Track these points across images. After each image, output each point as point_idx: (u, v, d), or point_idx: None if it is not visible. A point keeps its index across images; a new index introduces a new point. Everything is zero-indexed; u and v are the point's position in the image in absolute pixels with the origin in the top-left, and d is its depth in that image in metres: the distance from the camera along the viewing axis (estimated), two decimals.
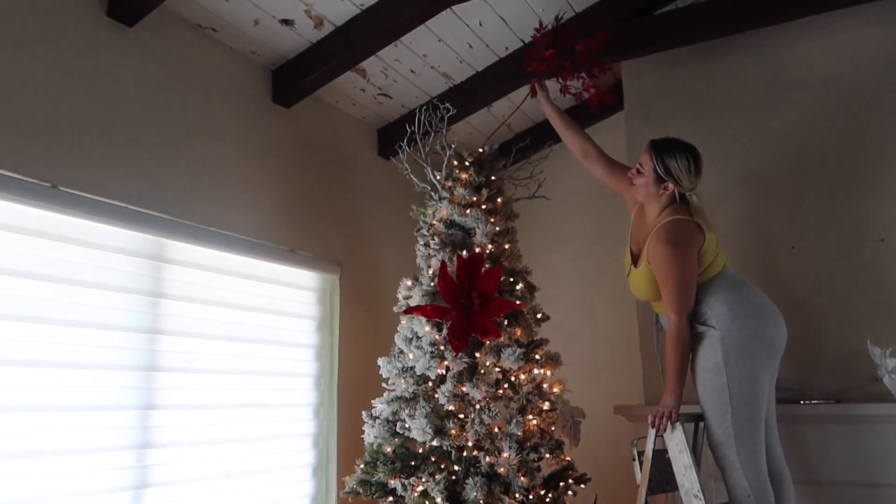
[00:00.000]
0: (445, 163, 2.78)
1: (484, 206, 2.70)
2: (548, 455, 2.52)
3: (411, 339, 2.61)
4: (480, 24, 3.09)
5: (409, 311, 2.59)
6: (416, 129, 2.82)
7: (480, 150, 2.82)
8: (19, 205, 2.06)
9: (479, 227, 2.65)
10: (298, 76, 3.00)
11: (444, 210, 2.71)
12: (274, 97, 3.04)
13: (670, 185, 2.45)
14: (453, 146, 2.79)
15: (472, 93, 3.44)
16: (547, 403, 2.54)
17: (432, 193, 2.80)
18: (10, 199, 2.03)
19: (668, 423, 2.26)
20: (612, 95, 2.99)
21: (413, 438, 2.48)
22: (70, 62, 2.24)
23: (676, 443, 2.25)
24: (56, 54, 2.20)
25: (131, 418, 2.32)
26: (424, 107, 2.88)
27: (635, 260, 2.57)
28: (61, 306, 2.16)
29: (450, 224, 2.71)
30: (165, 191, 2.49)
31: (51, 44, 2.19)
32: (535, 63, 2.86)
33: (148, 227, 2.41)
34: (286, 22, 2.78)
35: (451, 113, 2.84)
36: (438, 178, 2.79)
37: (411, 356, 2.57)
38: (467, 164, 2.77)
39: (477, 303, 2.50)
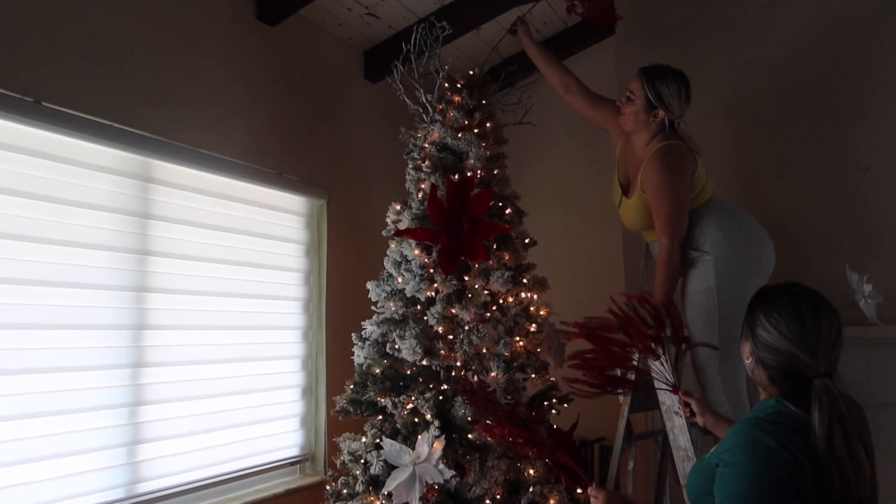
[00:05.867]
0: (437, 85, 2.73)
1: (476, 130, 2.67)
2: (533, 375, 2.58)
3: (400, 263, 2.62)
4: None
5: (399, 234, 2.59)
6: (412, 48, 2.75)
7: (471, 73, 2.78)
8: (0, 120, 2.01)
9: (472, 151, 2.62)
10: None
11: (436, 133, 2.68)
12: (258, 14, 2.94)
13: (660, 113, 2.44)
14: (447, 68, 2.73)
15: (462, 14, 3.35)
16: (534, 325, 2.58)
17: (423, 116, 2.76)
18: None
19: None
20: (616, 16, 2.98)
21: (402, 359, 2.53)
22: None
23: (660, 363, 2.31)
24: None
25: (121, 338, 2.33)
26: (421, 25, 2.80)
27: (625, 191, 2.58)
28: (45, 224, 2.13)
29: (442, 147, 2.68)
30: (150, 108, 2.43)
31: None
32: None
33: (133, 145, 2.36)
34: None
35: (446, 32, 2.77)
36: (430, 100, 2.74)
37: (400, 279, 2.59)
38: (459, 86, 2.73)
39: (467, 226, 2.50)
